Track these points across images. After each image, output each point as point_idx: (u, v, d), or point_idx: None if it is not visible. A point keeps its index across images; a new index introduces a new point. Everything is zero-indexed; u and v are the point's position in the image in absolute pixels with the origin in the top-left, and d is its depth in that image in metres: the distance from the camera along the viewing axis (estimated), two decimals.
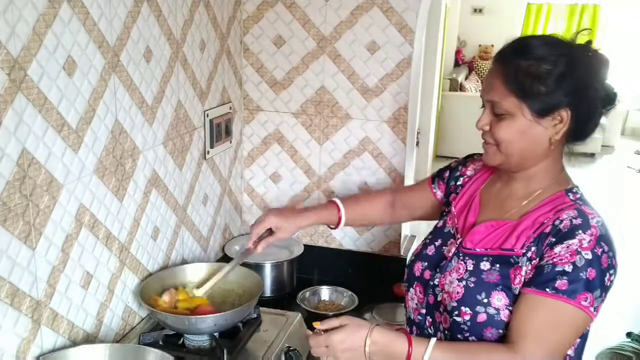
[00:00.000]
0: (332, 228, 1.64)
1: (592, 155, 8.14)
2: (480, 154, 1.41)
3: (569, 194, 1.27)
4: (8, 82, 1.14)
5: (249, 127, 2.26)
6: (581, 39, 1.23)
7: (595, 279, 1.15)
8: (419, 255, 1.41)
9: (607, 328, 3.68)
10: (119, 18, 1.46)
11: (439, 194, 1.53)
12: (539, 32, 9.23)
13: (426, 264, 1.38)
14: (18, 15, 1.15)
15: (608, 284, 1.18)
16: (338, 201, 1.61)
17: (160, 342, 1.52)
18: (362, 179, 2.19)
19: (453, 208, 1.42)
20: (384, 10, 2.01)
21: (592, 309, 1.16)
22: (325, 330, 1.24)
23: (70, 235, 1.37)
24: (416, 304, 1.39)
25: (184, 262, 1.89)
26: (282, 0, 2.10)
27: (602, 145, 8.22)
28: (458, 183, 1.47)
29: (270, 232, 1.56)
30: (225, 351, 1.44)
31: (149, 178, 1.67)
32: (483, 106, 1.28)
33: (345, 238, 2.26)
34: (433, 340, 1.20)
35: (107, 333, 1.54)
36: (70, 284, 1.38)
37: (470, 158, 1.51)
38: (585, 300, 1.15)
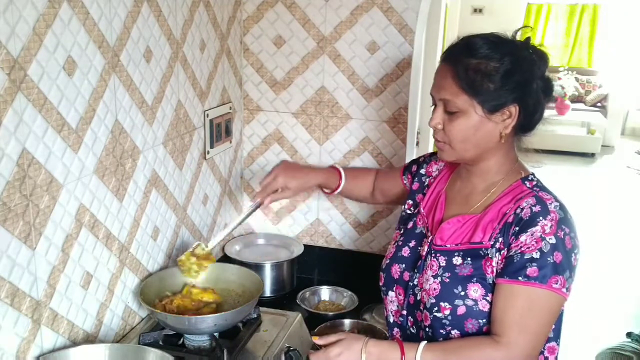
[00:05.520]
0: (325, 192, 1.71)
1: (592, 155, 8.14)
2: None
3: (525, 182, 1.32)
4: (8, 82, 1.14)
5: (249, 127, 2.26)
6: (521, 37, 1.29)
7: (562, 261, 1.21)
8: (395, 258, 1.44)
9: (607, 328, 3.68)
10: (119, 18, 1.46)
11: (408, 185, 1.59)
12: (540, 32, 9.25)
13: (403, 265, 1.41)
14: (18, 15, 1.15)
15: (575, 264, 1.25)
16: (341, 170, 1.69)
17: (160, 342, 1.52)
18: None
19: (422, 209, 1.46)
20: (384, 10, 2.02)
21: (564, 290, 1.22)
22: (324, 345, 1.31)
23: (70, 235, 1.37)
24: (397, 306, 1.43)
25: None
26: (282, 0, 2.10)
27: (602, 145, 8.21)
28: (425, 183, 1.51)
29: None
30: (225, 351, 1.44)
31: (149, 178, 1.67)
32: (433, 105, 1.32)
33: (345, 238, 2.26)
34: (423, 343, 1.26)
35: (107, 333, 1.54)
36: (70, 284, 1.38)
37: (434, 156, 1.55)
38: (556, 283, 1.21)
